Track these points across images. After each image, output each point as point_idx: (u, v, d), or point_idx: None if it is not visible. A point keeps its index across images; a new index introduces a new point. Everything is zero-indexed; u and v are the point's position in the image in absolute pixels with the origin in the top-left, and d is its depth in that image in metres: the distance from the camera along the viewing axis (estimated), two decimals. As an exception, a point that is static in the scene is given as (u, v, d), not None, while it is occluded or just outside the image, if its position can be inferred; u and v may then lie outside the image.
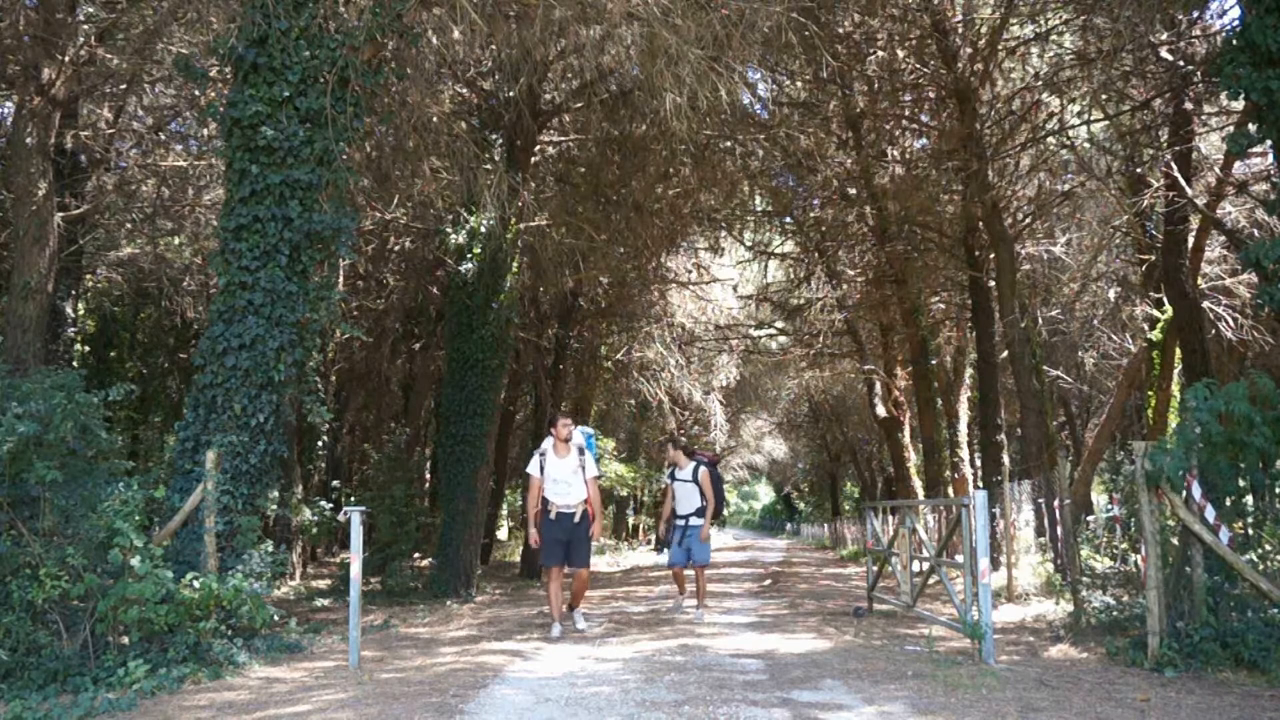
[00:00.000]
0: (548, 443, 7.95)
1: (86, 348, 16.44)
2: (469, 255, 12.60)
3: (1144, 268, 14.70)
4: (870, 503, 11.88)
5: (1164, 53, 11.39)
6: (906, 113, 14.24)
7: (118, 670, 5.51)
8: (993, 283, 14.02)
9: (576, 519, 7.78)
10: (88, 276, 14.65)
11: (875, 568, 10.03)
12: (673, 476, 9.41)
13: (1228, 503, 5.99)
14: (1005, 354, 15.12)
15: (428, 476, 19.75)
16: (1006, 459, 14.96)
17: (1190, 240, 12.94)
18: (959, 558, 8.75)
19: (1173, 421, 14.16)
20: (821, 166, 14.74)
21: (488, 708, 4.80)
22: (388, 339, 19.41)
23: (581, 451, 7.91)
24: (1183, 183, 11.72)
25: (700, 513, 9.17)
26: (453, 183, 11.20)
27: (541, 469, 7.83)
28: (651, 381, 21.19)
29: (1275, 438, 5.64)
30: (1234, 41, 6.73)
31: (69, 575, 5.66)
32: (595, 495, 7.95)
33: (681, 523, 9.26)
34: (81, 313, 14.38)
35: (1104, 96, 12.21)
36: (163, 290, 15.90)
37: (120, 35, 11.19)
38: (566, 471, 7.80)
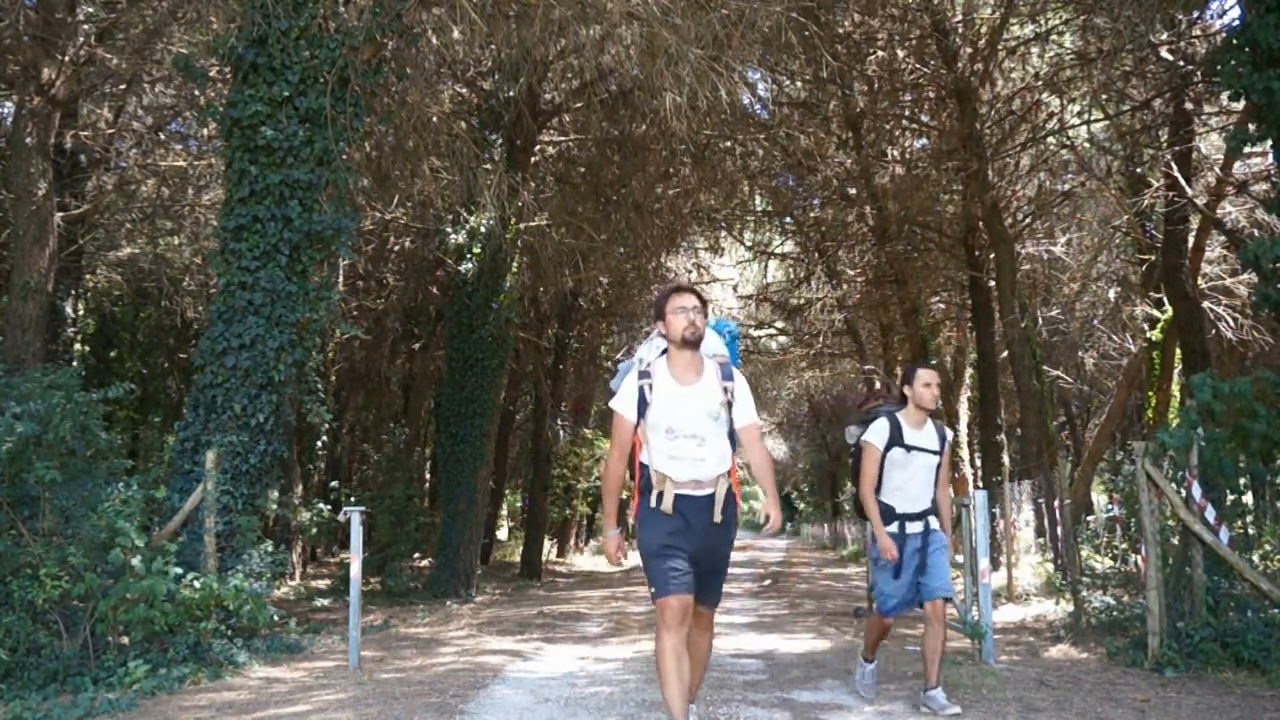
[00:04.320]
0: (651, 350, 3.91)
1: (86, 348, 16.43)
2: (469, 255, 12.60)
3: (1144, 268, 14.70)
4: (870, 503, 11.85)
5: (1164, 53, 11.39)
6: (906, 113, 14.25)
7: (118, 670, 5.51)
8: (993, 283, 14.02)
9: (717, 512, 3.69)
10: (88, 276, 14.64)
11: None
12: (900, 440, 4.77)
13: (1228, 500, 5.99)
14: (1005, 354, 15.12)
15: (428, 476, 19.74)
16: (1006, 459, 14.96)
17: (1190, 240, 12.93)
18: (959, 558, 8.76)
19: (1173, 423, 14.16)
20: (821, 166, 14.74)
21: (488, 708, 4.80)
22: (388, 339, 19.41)
23: (728, 375, 3.79)
24: (1183, 183, 11.71)
25: (936, 512, 4.87)
26: (453, 183, 11.20)
27: (643, 405, 3.71)
28: (651, 381, 21.13)
29: (1278, 429, 5.64)
30: (1234, 41, 6.73)
31: (69, 575, 5.66)
32: (764, 460, 3.84)
33: (916, 529, 4.75)
34: (81, 313, 14.37)
35: (1104, 96, 12.21)
36: (163, 290, 15.88)
37: (120, 35, 11.18)
38: (697, 411, 3.69)
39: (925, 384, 4.80)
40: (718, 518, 3.66)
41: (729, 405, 3.72)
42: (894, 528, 4.74)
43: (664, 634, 3.52)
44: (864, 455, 4.83)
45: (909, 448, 4.77)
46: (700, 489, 3.64)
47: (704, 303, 3.76)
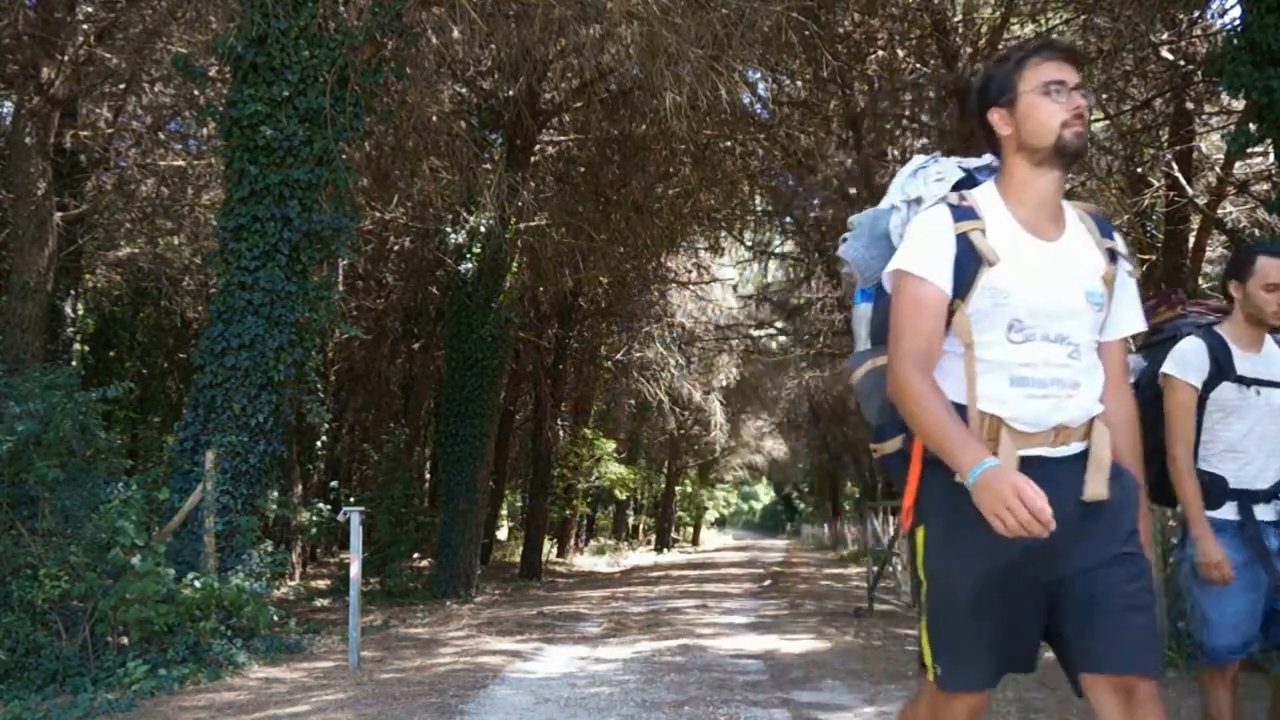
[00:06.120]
0: (928, 184, 2.10)
1: (86, 347, 16.43)
2: (469, 255, 12.60)
3: (1144, 268, 14.70)
4: (870, 503, 11.87)
5: (1164, 52, 11.40)
6: (906, 113, 14.25)
7: (117, 670, 5.51)
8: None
9: (1097, 481, 1.86)
10: (87, 276, 14.65)
11: (875, 568, 10.03)
12: (1229, 371, 2.79)
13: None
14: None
15: (428, 476, 19.74)
16: (1006, 459, 14.95)
17: (1190, 240, 12.94)
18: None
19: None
20: (821, 166, 14.73)
21: (487, 708, 4.80)
22: (388, 339, 19.40)
23: (1107, 229, 2.03)
24: (1183, 182, 11.72)
25: None
26: (452, 182, 11.19)
27: (966, 271, 1.88)
28: (651, 381, 21.20)
29: None
30: (1235, 40, 6.73)
31: (69, 575, 5.66)
32: (1132, 412, 2.04)
33: (1269, 516, 2.79)
34: (81, 312, 14.37)
35: (1104, 96, 12.21)
36: (162, 290, 15.89)
37: (119, 35, 11.18)
38: (1070, 290, 1.89)
39: (1271, 285, 2.78)
40: (1097, 490, 1.86)
41: (1116, 279, 1.99)
42: (1229, 512, 2.82)
43: None
44: (1170, 399, 2.85)
45: (1246, 381, 2.81)
46: (1065, 443, 1.89)
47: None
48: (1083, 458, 1.90)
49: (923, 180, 2.11)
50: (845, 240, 2.19)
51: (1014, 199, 1.95)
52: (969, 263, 1.87)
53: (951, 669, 1.92)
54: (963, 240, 1.88)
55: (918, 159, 2.19)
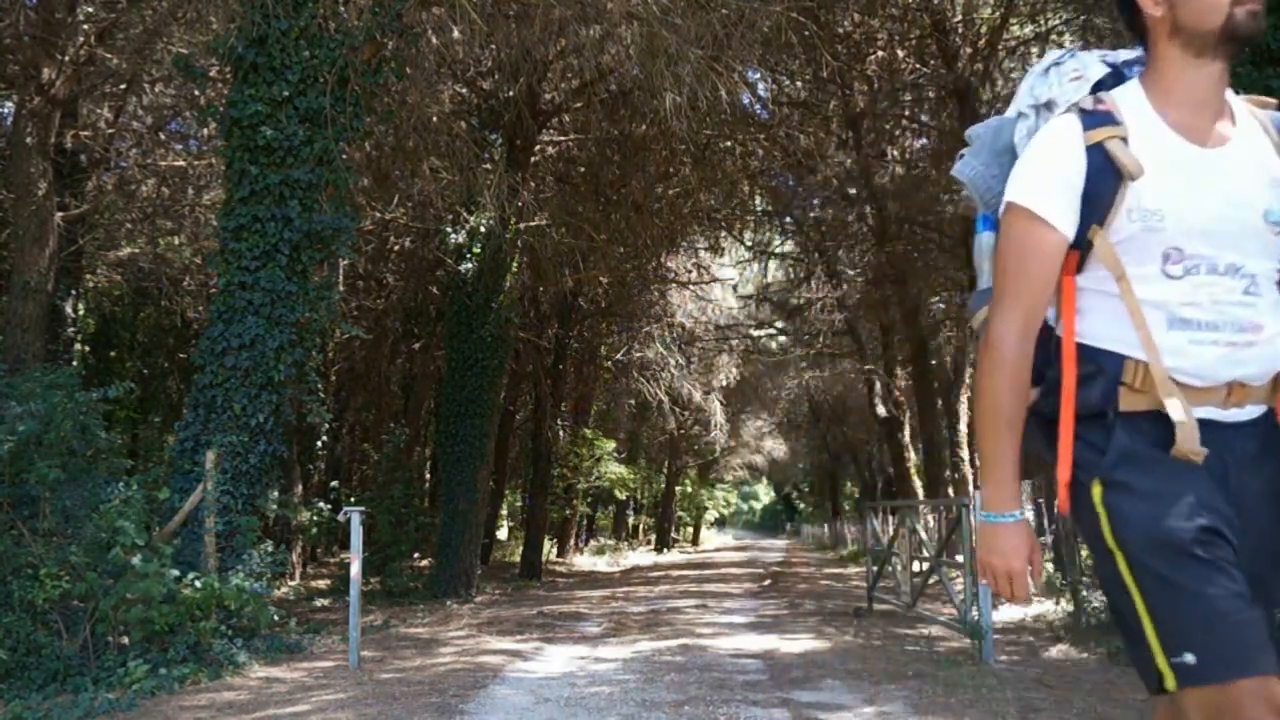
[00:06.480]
0: (1061, 86, 1.69)
1: (86, 347, 16.45)
2: (469, 255, 12.61)
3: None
4: (870, 503, 11.89)
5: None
6: (906, 113, 14.27)
7: (118, 670, 5.52)
8: (993, 283, 14.03)
9: None
10: (88, 276, 14.65)
11: (875, 568, 10.03)
12: None
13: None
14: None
15: (428, 476, 19.76)
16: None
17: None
18: (959, 558, 8.76)
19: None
20: (821, 166, 14.75)
21: (487, 708, 4.80)
22: (388, 339, 19.41)
23: None
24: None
25: None
26: (452, 183, 11.20)
27: (1101, 194, 1.56)
28: (651, 381, 21.22)
29: None
30: (1234, 41, 6.75)
31: (70, 575, 5.67)
32: None
33: None
34: (81, 312, 14.37)
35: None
36: (163, 290, 15.89)
37: (120, 35, 11.19)
38: (1243, 207, 1.53)
39: None
40: None
41: None
42: None
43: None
44: None
45: None
46: (1239, 404, 1.55)
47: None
48: (1267, 421, 1.54)
49: (1056, 80, 1.72)
50: (962, 157, 1.87)
51: (1164, 98, 1.60)
52: (1106, 179, 1.55)
53: (1211, 646, 1.37)
54: (1096, 152, 1.56)
55: (1051, 54, 1.79)
